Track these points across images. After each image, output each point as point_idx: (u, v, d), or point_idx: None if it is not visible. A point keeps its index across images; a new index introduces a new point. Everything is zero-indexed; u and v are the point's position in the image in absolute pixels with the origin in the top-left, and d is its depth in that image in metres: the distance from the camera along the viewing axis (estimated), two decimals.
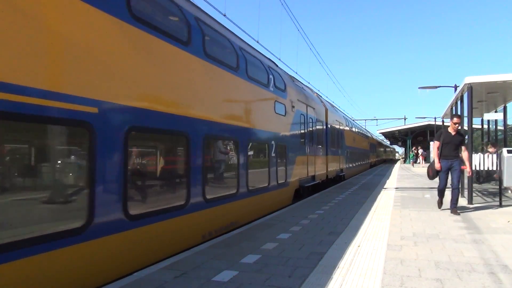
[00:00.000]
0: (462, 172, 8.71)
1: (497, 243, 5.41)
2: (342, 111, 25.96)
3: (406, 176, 21.33)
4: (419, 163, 36.37)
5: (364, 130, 36.11)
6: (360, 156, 28.83)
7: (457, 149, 8.09)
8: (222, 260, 4.68)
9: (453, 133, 8.04)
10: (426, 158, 41.75)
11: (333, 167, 17.28)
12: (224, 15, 9.58)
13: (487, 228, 6.44)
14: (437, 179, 8.44)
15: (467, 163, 8.20)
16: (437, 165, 8.06)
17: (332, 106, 20.89)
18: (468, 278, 3.92)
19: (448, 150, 7.99)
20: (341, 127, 19.97)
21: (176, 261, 4.66)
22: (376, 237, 5.84)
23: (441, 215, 7.81)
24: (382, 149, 61.05)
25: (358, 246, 5.29)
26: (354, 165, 24.58)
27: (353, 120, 31.33)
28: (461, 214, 7.91)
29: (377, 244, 5.39)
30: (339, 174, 18.69)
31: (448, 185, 8.31)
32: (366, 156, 33.64)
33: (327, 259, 4.69)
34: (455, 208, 8.04)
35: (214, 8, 9.01)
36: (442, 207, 8.52)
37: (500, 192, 9.02)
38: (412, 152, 40.98)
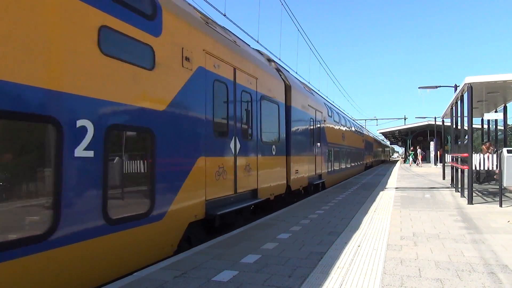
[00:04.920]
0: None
1: (497, 243, 5.41)
2: None
3: (406, 176, 21.33)
4: (417, 164, 36.17)
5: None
6: None
7: None
8: (222, 260, 4.68)
9: None
10: (426, 158, 41.87)
11: None
12: (224, 15, 9.57)
13: (487, 228, 6.44)
14: None
15: None
16: None
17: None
18: (468, 278, 3.93)
19: None
20: None
21: (176, 261, 4.66)
22: (376, 237, 5.84)
23: (441, 215, 7.81)
24: (358, 147, 27.65)
25: (358, 246, 5.29)
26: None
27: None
28: (461, 214, 7.91)
29: (377, 244, 5.39)
30: None
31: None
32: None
33: (327, 259, 4.69)
34: None
35: (214, 8, 9.01)
36: (443, 208, 8.45)
37: (500, 192, 9.03)
38: (411, 152, 40.65)
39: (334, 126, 17.86)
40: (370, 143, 38.82)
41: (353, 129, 25.34)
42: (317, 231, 6.33)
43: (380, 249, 5.11)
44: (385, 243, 5.45)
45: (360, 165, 28.75)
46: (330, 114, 17.02)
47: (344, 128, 20.78)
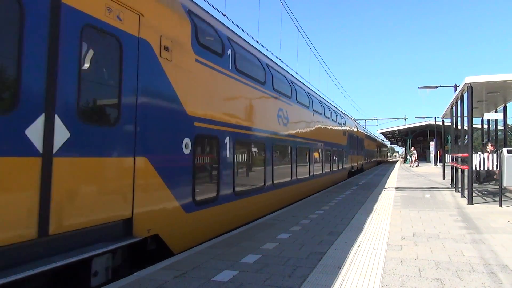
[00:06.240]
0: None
1: (497, 243, 5.41)
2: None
3: (406, 176, 21.33)
4: (414, 165, 36.13)
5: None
6: None
7: None
8: (222, 260, 4.68)
9: None
10: (426, 157, 42.08)
11: None
12: (224, 15, 9.58)
13: (487, 228, 6.44)
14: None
15: None
16: None
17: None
18: (468, 278, 3.93)
19: None
20: None
21: (176, 261, 4.66)
22: (376, 237, 5.84)
23: (441, 215, 7.81)
24: (334, 143, 17.70)
25: (358, 246, 5.29)
26: None
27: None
28: (461, 214, 7.90)
29: (377, 244, 5.39)
30: None
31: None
32: None
33: (327, 259, 4.69)
34: None
35: (214, 8, 9.01)
36: (443, 208, 8.45)
37: (500, 192, 9.03)
38: (411, 152, 40.85)
39: (253, 93, 8.51)
40: (359, 139, 27.70)
41: (320, 111, 15.12)
42: (317, 231, 6.33)
43: (380, 249, 5.11)
44: (385, 243, 5.45)
45: (339, 171, 19.03)
46: (237, 65, 7.64)
47: (290, 104, 11.19)
